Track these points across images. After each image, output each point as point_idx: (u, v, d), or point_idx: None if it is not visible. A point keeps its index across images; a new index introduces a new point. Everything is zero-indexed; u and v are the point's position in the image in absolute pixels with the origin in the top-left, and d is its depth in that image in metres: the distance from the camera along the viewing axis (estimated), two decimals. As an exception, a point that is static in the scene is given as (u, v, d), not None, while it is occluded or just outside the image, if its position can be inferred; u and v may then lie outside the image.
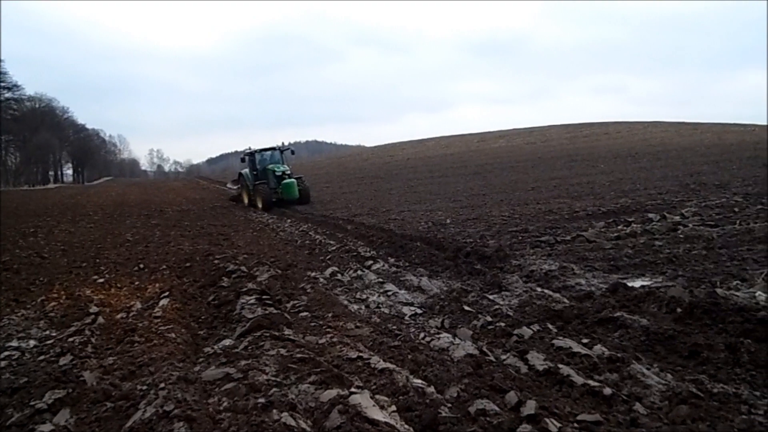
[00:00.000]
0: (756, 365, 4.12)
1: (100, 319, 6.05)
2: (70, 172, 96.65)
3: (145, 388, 3.98)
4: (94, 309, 6.42)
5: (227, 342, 5.29)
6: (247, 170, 22.94)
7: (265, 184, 21.39)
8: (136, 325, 5.80)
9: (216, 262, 8.92)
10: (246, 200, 22.69)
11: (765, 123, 60.31)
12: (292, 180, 21.19)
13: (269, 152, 23.28)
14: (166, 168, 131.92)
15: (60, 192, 43.11)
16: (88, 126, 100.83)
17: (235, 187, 25.93)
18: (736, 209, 11.42)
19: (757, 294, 5.65)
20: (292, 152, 24.65)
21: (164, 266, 9.05)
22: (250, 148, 23.10)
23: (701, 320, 5.00)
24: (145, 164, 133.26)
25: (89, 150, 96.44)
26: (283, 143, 23.85)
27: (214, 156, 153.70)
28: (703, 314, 5.05)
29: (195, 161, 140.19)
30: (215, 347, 5.18)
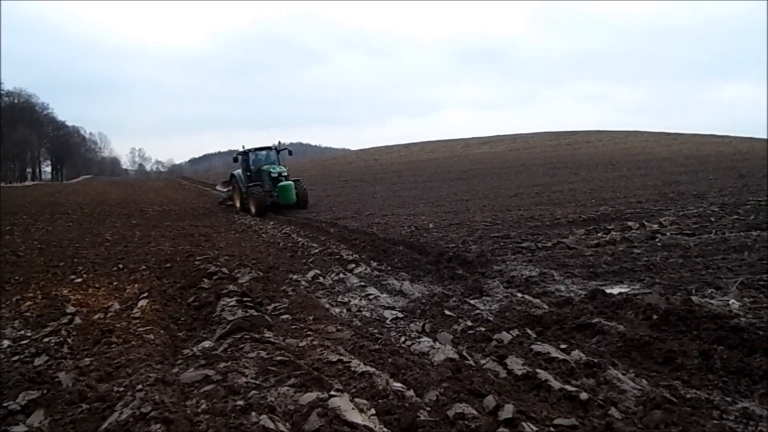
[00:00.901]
0: (728, 371, 4.21)
1: (77, 320, 5.96)
2: (48, 169, 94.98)
3: (121, 389, 3.94)
4: (70, 309, 6.32)
5: (207, 344, 5.26)
6: (239, 171, 20.98)
7: (260, 187, 19.34)
8: (114, 325, 5.73)
9: (197, 263, 8.85)
10: (238, 204, 20.81)
11: (742, 135, 61.73)
12: (290, 182, 19.31)
13: (264, 152, 21.08)
14: (148, 167, 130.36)
15: (37, 190, 42.34)
16: (69, 123, 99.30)
17: (225, 190, 24.01)
18: (713, 219, 11.66)
19: (730, 302, 5.78)
20: (290, 152, 22.50)
21: (144, 267, 8.94)
22: (243, 147, 21.01)
23: (676, 327, 5.10)
24: (126, 163, 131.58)
25: (69, 147, 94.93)
26: (279, 142, 21.45)
27: (197, 156, 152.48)
28: (678, 321, 5.16)
29: (177, 161, 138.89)
30: (194, 349, 5.14)
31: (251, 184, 19.74)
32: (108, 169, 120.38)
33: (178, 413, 3.50)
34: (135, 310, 6.26)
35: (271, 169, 19.72)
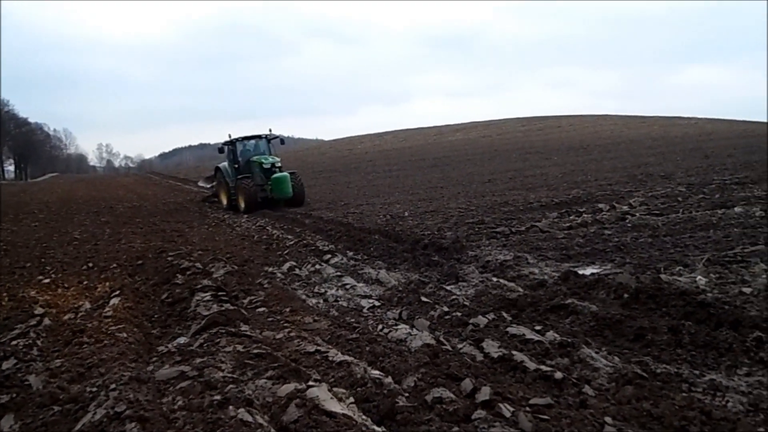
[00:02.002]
0: (696, 346, 4.34)
1: (46, 321, 5.81)
2: (11, 168, 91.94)
3: (94, 389, 3.85)
4: (39, 310, 6.15)
5: (182, 340, 5.19)
6: (225, 164, 18.76)
7: (249, 179, 17.25)
8: (85, 325, 5.59)
9: (169, 259, 8.69)
10: (224, 200, 18.53)
11: (706, 116, 63.27)
12: (285, 174, 17.16)
13: (253, 141, 18.85)
14: (116, 163, 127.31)
15: (1, 189, 41.01)
16: (31, 120, 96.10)
17: (209, 186, 21.65)
18: (680, 199, 11.97)
19: (697, 278, 5.95)
20: (282, 141, 19.90)
21: (115, 265, 8.75)
22: (229, 136, 18.70)
23: (646, 305, 5.23)
24: (93, 159, 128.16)
25: (32, 145, 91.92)
26: (270, 130, 19.11)
27: (167, 150, 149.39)
28: (648, 299, 5.29)
29: (147, 156, 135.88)
30: (169, 346, 5.07)
31: (240, 176, 17.62)
32: (75, 166, 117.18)
33: (153, 411, 3.44)
34: (106, 309, 6.13)
35: (263, 160, 17.63)
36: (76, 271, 8.46)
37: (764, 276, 5.78)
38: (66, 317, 6.04)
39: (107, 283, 7.45)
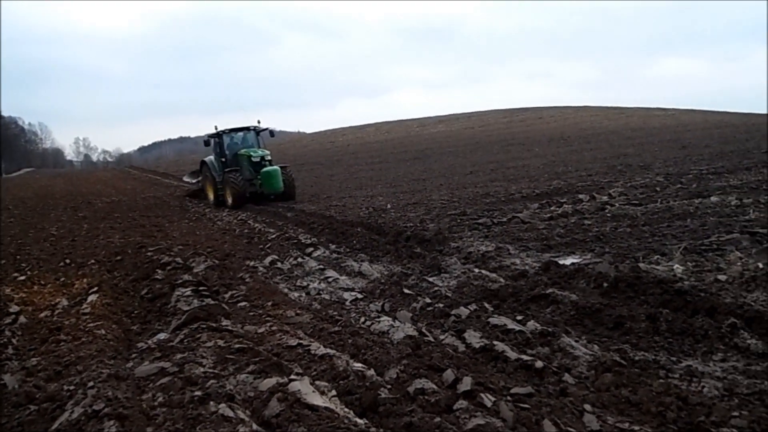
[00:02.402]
0: (673, 333, 4.42)
1: (22, 319, 5.69)
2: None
3: (72, 388, 3.79)
4: (14, 308, 6.02)
5: (162, 336, 5.13)
6: (211, 157, 17.78)
7: (237, 173, 16.52)
8: (62, 323, 5.50)
9: (149, 254, 8.58)
10: (211, 196, 17.60)
11: (683, 107, 64.23)
12: (275, 168, 16.40)
13: (241, 133, 17.96)
14: (94, 158, 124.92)
15: (-26, 185, 40.05)
16: (4, 114, 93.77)
17: (194, 181, 20.62)
18: (658, 189, 12.15)
19: (674, 267, 6.05)
20: (272, 134, 18.79)
21: (93, 261, 8.60)
22: (216, 128, 17.69)
23: (625, 293, 5.30)
24: (70, 154, 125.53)
25: (6, 139, 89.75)
26: (258, 121, 18.03)
27: (146, 144, 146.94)
28: (627, 287, 5.36)
29: (125, 150, 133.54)
30: (149, 342, 5.00)
31: (227, 170, 16.79)
32: (51, 161, 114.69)
33: (133, 408, 3.40)
34: (84, 306, 6.02)
35: (252, 153, 16.83)
36: (53, 268, 8.30)
37: (739, 264, 5.90)
38: (42, 315, 5.93)
39: (85, 280, 7.33)
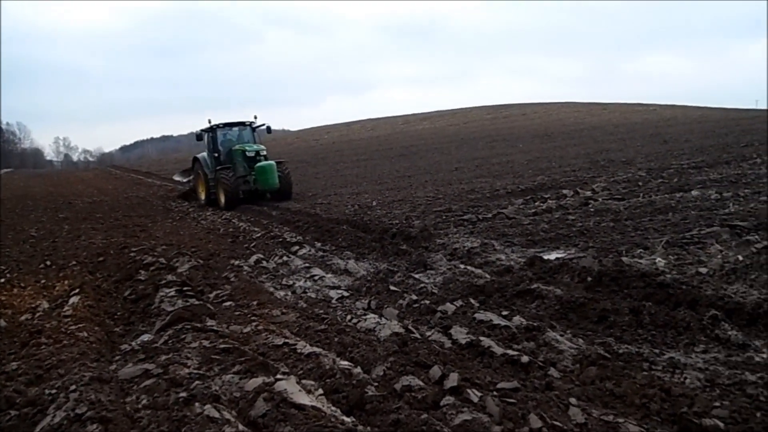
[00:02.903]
0: (656, 325, 4.48)
1: (2, 322, 5.58)
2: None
3: (54, 392, 3.72)
4: (-7, 312, 5.91)
5: (146, 337, 5.07)
6: (204, 154, 16.81)
7: (230, 171, 15.50)
8: (43, 326, 5.39)
9: (132, 254, 8.47)
10: (203, 195, 16.70)
11: (665, 103, 65.07)
12: (271, 162, 15.48)
13: (236, 129, 17.02)
14: (75, 157, 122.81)
15: (-49, 186, 39.20)
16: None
17: (185, 180, 19.63)
18: (640, 183, 12.30)
19: (657, 260, 6.12)
20: (268, 130, 17.71)
21: (74, 262, 8.47)
22: (209, 122, 16.63)
23: (609, 287, 5.35)
24: (50, 154, 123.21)
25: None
26: (255, 117, 17.05)
27: (128, 143, 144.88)
28: (610, 281, 5.42)
29: (107, 149, 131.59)
30: (133, 344, 4.94)
31: (219, 168, 15.76)
32: (30, 161, 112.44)
33: (116, 411, 3.36)
34: (66, 308, 5.93)
35: (246, 148, 15.95)
36: (33, 270, 8.16)
37: (719, 256, 5.99)
38: (23, 318, 5.82)
39: (66, 282, 7.21)
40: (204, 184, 16.53)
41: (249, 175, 15.56)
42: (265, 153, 16.04)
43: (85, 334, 4.97)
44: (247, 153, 15.82)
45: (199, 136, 17.04)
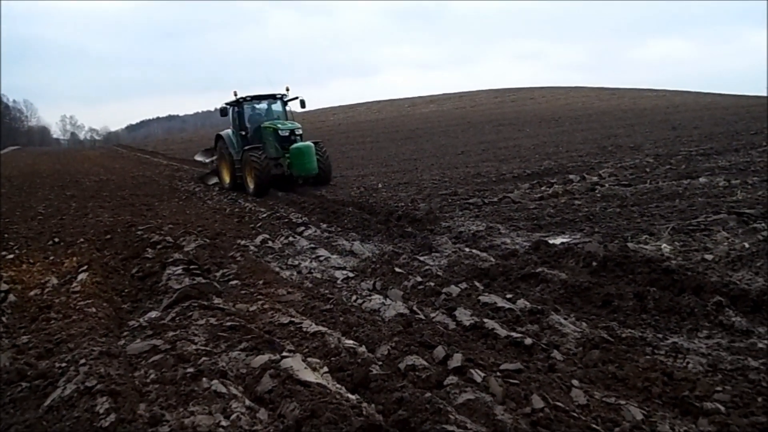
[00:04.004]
0: (660, 311, 4.49)
1: (12, 297, 5.66)
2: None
3: (63, 365, 3.79)
4: (4, 287, 5.98)
5: (153, 314, 5.13)
6: (229, 131, 14.85)
7: (260, 151, 13.40)
8: (53, 301, 5.48)
9: (139, 233, 8.53)
10: (227, 178, 14.87)
11: (674, 89, 64.29)
12: (308, 144, 13.21)
13: (265, 102, 15.01)
14: (81, 136, 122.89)
15: (-41, 163, 39.39)
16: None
17: (208, 160, 17.31)
18: (648, 169, 12.22)
19: (662, 246, 6.12)
20: (303, 103, 14.81)
21: (82, 239, 8.54)
22: (235, 95, 14.51)
23: (614, 272, 5.36)
24: (57, 132, 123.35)
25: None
26: (288, 89, 14.78)
27: (134, 123, 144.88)
28: (615, 266, 5.42)
29: (113, 128, 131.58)
30: (140, 320, 5.00)
31: (248, 147, 13.65)
32: (37, 139, 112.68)
33: (125, 385, 3.42)
34: (74, 284, 6.00)
35: (279, 125, 13.73)
36: (42, 247, 8.24)
37: (725, 243, 5.98)
38: (32, 293, 5.90)
39: (74, 258, 7.28)
40: (229, 166, 14.62)
41: (282, 157, 13.44)
42: (300, 132, 13.80)
43: (94, 310, 5.04)
44: (280, 132, 13.55)
45: (223, 111, 14.84)
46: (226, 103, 14.78)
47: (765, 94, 53.12)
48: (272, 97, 14.97)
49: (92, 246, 8.07)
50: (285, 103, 15.01)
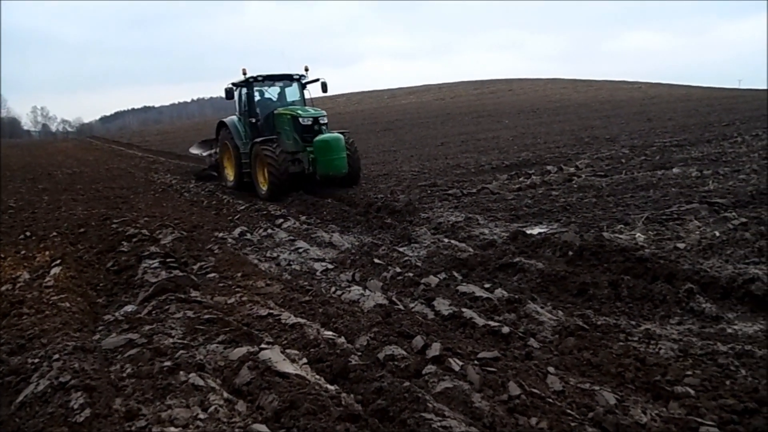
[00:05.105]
0: (633, 298, 4.59)
1: (-19, 293, 5.53)
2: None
3: (36, 361, 3.72)
4: (-27, 282, 5.84)
5: (129, 308, 5.07)
6: (234, 118, 12.39)
7: (274, 144, 10.96)
8: (24, 296, 5.35)
9: (114, 226, 8.38)
10: (231, 176, 12.51)
11: (650, 81, 65.29)
12: (337, 136, 10.86)
13: (279, 84, 12.43)
14: (53, 127, 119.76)
15: (-75, 156, 38.13)
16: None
17: (205, 154, 14.86)
18: (623, 160, 12.42)
19: (636, 236, 6.24)
20: (324, 87, 12.17)
21: (55, 233, 8.35)
22: (244, 73, 11.89)
23: (589, 261, 5.45)
24: (27, 124, 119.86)
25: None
26: (306, 69, 12.40)
27: (108, 114, 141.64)
28: (591, 256, 5.51)
29: (86, 120, 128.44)
30: (116, 314, 4.94)
31: (261, 140, 11.14)
32: (7, 131, 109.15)
33: (100, 380, 3.37)
34: (47, 279, 5.87)
35: (300, 112, 11.16)
36: (13, 241, 8.04)
37: (697, 232, 6.12)
38: (3, 288, 5.76)
39: (47, 252, 7.12)
40: (233, 161, 12.23)
41: (302, 151, 10.93)
42: (325, 121, 11.30)
43: (68, 305, 4.95)
44: (301, 120, 10.96)
45: (229, 93, 11.97)
46: (233, 84, 12.14)
47: (738, 87, 54.29)
48: (288, 78, 12.36)
49: (65, 240, 7.90)
50: (303, 86, 12.48)
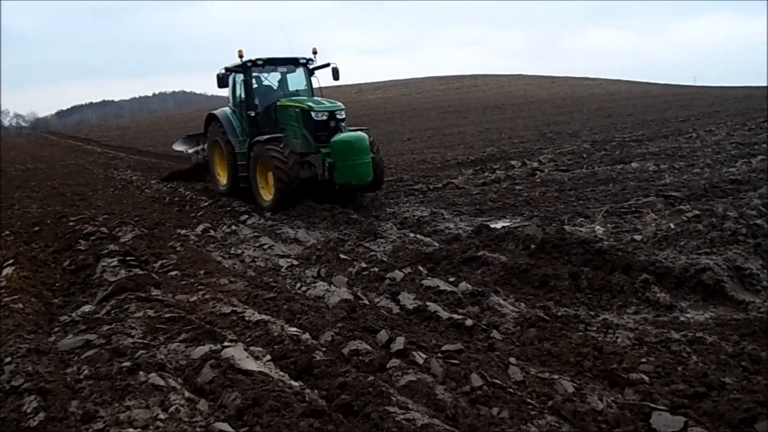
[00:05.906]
0: (592, 289, 4.72)
1: (-73, 295, 5.27)
2: None
3: (-13, 364, 3.58)
4: None
5: (87, 308, 4.92)
6: (227, 109, 10.43)
7: (281, 143, 8.89)
8: (-25, 298, 5.14)
9: (71, 224, 8.11)
10: (223, 177, 10.54)
11: (610, 77, 66.93)
12: (360, 135, 8.90)
13: (283, 68, 10.26)
14: (6, 122, 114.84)
15: None
16: None
17: (191, 151, 12.70)
18: (584, 155, 12.73)
19: (596, 228, 6.41)
20: (335, 74, 10.16)
21: (7, 232, 8.02)
22: (240, 56, 9.66)
23: (551, 254, 5.57)
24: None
25: None
26: (315, 51, 10.15)
27: (65, 108, 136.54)
28: (552, 248, 5.63)
29: (41, 114, 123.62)
30: (73, 315, 4.79)
31: (265, 138, 9.05)
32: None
33: (56, 382, 3.27)
34: (-1, 280, 5.65)
35: (312, 105, 9.14)
36: (-38, 241, 7.70)
37: (653, 225, 6.33)
38: (-49, 290, 5.51)
39: (-1, 252, 6.85)
40: (226, 162, 10.18)
41: (315, 153, 8.97)
42: (343, 116, 9.32)
43: (21, 306, 4.77)
44: (313, 114, 8.97)
45: (221, 80, 9.87)
46: (226, 69, 9.93)
47: (693, 84, 56.20)
48: (293, 62, 10.17)
49: (19, 239, 7.61)
50: (311, 72, 10.37)
